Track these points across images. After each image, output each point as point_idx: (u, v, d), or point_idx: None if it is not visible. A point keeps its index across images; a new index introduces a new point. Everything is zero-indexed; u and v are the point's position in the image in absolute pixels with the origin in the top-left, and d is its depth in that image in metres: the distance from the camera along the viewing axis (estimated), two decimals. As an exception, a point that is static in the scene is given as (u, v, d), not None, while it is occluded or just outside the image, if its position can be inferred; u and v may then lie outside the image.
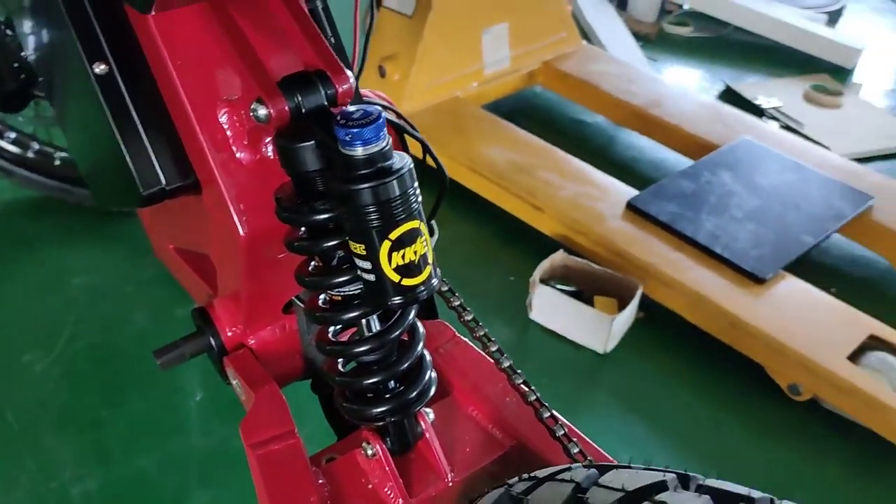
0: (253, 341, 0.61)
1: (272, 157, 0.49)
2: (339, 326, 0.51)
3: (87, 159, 0.62)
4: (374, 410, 0.51)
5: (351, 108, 0.41)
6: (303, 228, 0.47)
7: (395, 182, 0.40)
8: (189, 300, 0.70)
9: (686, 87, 1.99)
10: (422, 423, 0.53)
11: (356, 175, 0.41)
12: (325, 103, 0.44)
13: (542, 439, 0.54)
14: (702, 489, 0.40)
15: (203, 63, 0.48)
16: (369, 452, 0.53)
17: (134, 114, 0.51)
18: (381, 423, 0.52)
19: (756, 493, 0.39)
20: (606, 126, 1.82)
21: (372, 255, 0.42)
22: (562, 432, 0.53)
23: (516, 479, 0.44)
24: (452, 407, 0.58)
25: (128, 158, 0.51)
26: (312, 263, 0.49)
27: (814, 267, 1.41)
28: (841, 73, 2.09)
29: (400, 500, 0.53)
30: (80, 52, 0.50)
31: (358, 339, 0.50)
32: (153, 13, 0.47)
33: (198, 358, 0.63)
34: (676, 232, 1.32)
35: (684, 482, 0.40)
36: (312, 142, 0.44)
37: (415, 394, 0.51)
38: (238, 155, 0.49)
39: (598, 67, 1.80)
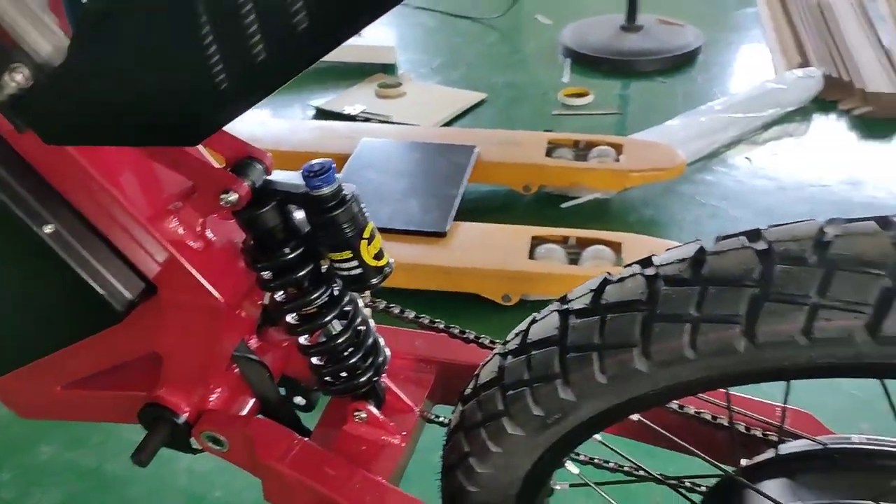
0: (212, 404, 0.73)
1: (213, 238, 0.64)
2: (308, 335, 0.68)
3: None
4: (362, 380, 0.69)
5: (310, 165, 0.59)
6: (269, 273, 0.63)
7: (354, 201, 0.60)
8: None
9: (286, 117, 2.29)
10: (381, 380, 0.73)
11: (330, 206, 0.59)
12: (267, 176, 0.61)
13: (454, 351, 0.78)
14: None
15: (137, 180, 0.60)
16: (363, 416, 0.71)
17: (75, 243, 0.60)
18: (365, 390, 0.70)
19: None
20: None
21: (356, 255, 0.61)
22: (471, 335, 0.77)
23: None
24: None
25: (92, 283, 0.60)
26: (281, 296, 0.65)
27: (469, 210, 1.82)
28: (392, 69, 2.58)
29: (396, 438, 0.72)
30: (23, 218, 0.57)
31: (336, 333, 0.68)
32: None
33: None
34: (366, 227, 1.61)
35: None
36: (273, 204, 0.60)
37: (381, 358, 0.71)
38: (194, 245, 0.63)
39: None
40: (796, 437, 0.68)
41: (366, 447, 0.72)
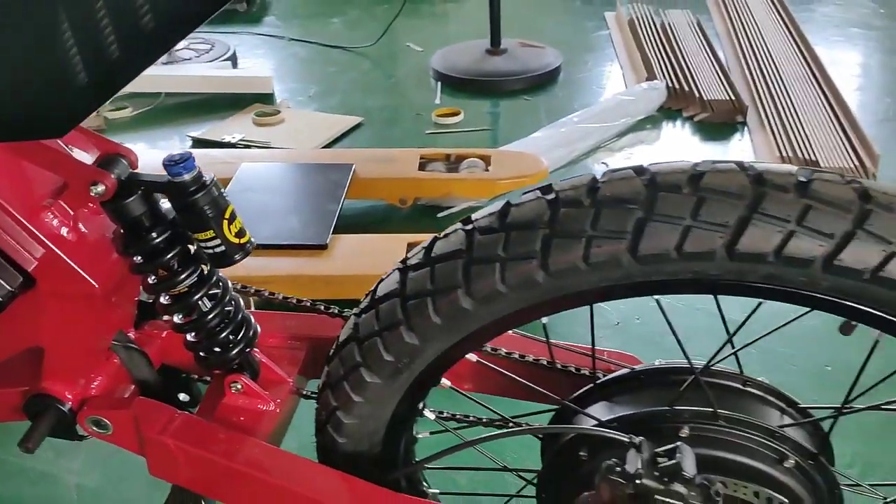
0: (94, 391, 0.78)
1: (86, 231, 0.70)
2: (181, 315, 0.75)
3: None
4: (234, 352, 0.77)
5: (170, 156, 0.67)
6: (140, 258, 0.71)
7: (214, 185, 0.69)
8: None
9: (163, 149, 2.32)
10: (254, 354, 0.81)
11: (192, 191, 0.67)
12: (132, 169, 0.68)
13: (322, 328, 0.86)
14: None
15: (10, 179, 0.66)
16: (238, 387, 0.78)
17: None
18: (238, 362, 0.78)
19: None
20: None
21: (219, 233, 0.69)
22: (335, 310, 0.86)
23: None
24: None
25: None
26: (152, 280, 0.72)
27: (350, 224, 1.90)
28: (269, 98, 2.66)
29: (271, 404, 0.80)
30: None
31: (206, 310, 0.75)
32: None
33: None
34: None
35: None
36: (138, 193, 0.68)
37: (251, 332, 0.79)
38: (68, 237, 0.69)
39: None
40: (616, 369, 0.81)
41: (244, 416, 0.79)
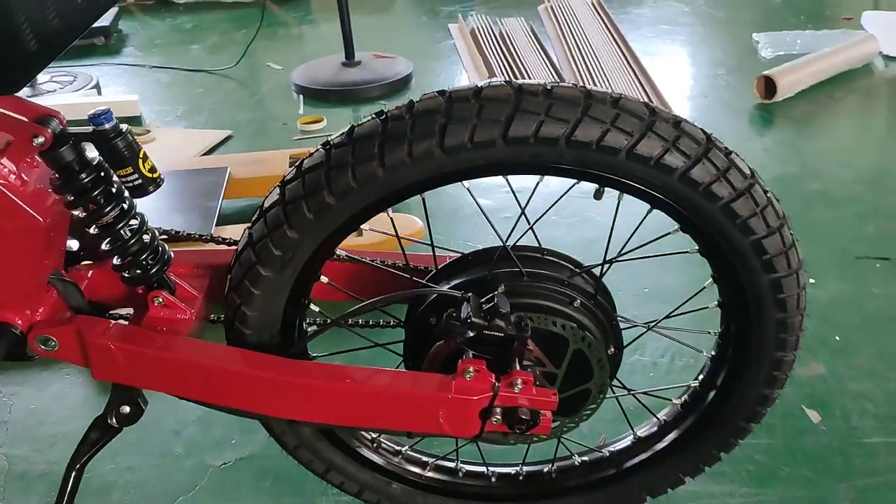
0: (39, 317, 0.98)
1: (28, 178, 0.91)
2: (109, 242, 0.96)
3: None
4: (154, 270, 0.99)
5: (93, 111, 0.89)
6: (71, 196, 0.92)
7: (129, 132, 0.91)
8: None
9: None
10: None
11: (112, 136, 0.90)
12: (62, 126, 0.90)
13: (220, 255, 1.09)
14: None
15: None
16: (160, 301, 1.00)
17: None
18: (157, 280, 1.00)
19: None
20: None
21: (136, 169, 0.91)
22: (232, 240, 1.09)
23: None
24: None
25: None
26: (79, 215, 0.93)
27: (232, 221, 2.11)
28: (137, 120, 2.82)
29: (188, 313, 1.02)
30: None
31: (128, 237, 0.97)
32: None
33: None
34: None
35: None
36: (70, 143, 0.89)
37: (167, 256, 1.01)
38: (14, 181, 0.89)
39: None
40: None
41: (166, 325, 1.01)
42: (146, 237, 0.99)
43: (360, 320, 1.15)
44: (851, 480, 1.33)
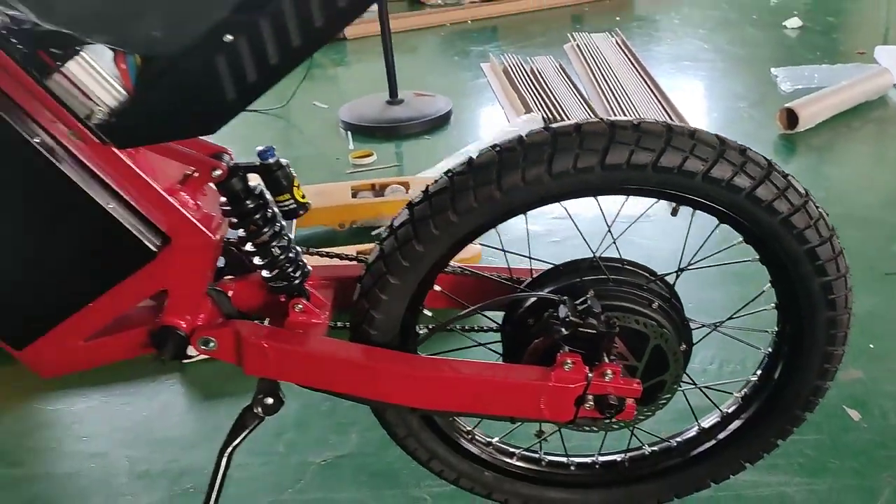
0: (199, 322, 1.16)
1: (203, 202, 1.10)
2: (262, 257, 1.15)
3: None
4: (297, 282, 1.17)
5: (260, 148, 1.08)
6: (235, 219, 1.11)
7: (288, 166, 1.10)
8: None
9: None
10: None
11: (275, 169, 1.09)
12: (234, 163, 1.09)
13: (344, 270, 1.27)
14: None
15: (156, 169, 1.05)
16: (300, 307, 1.18)
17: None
18: (299, 290, 1.18)
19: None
20: None
21: (292, 195, 1.10)
22: (353, 255, 1.27)
23: None
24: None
25: (130, 228, 1.03)
26: (242, 234, 1.12)
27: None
28: (200, 158, 3.02)
29: (321, 318, 1.19)
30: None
31: (278, 253, 1.15)
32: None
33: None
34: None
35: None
36: (240, 175, 1.08)
37: (307, 269, 1.20)
38: (193, 204, 1.08)
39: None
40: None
41: (304, 328, 1.18)
42: (291, 253, 1.18)
43: (463, 325, 1.33)
44: (894, 471, 1.49)
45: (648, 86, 3.39)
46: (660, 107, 3.19)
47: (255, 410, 1.21)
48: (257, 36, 0.91)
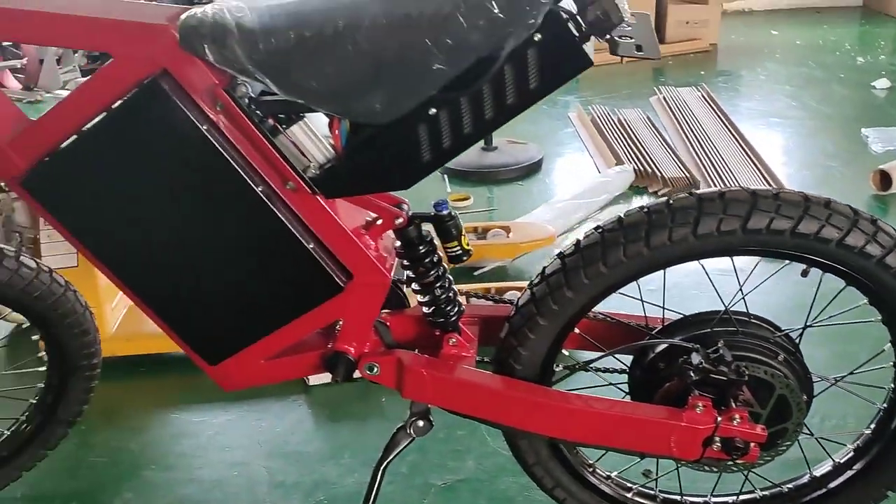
0: (366, 350, 1.31)
1: (378, 246, 1.26)
2: (426, 295, 1.30)
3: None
4: (453, 318, 1.32)
5: (437, 201, 1.23)
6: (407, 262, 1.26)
7: (458, 217, 1.26)
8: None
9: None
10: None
11: (447, 220, 1.24)
12: (412, 212, 1.25)
13: (489, 310, 1.42)
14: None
15: (349, 215, 1.22)
16: (453, 342, 1.32)
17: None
18: (454, 326, 1.33)
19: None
20: None
21: (459, 243, 1.25)
22: (497, 297, 1.42)
23: None
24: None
25: (325, 265, 1.19)
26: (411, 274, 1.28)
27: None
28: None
29: (470, 353, 1.33)
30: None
31: (440, 293, 1.30)
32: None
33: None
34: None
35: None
36: (417, 223, 1.24)
37: (461, 308, 1.34)
38: (374, 247, 1.24)
39: None
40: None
41: (456, 361, 1.32)
42: (451, 293, 1.33)
43: (597, 366, 1.45)
44: None
45: (737, 140, 3.48)
46: (750, 163, 3.28)
47: (408, 431, 1.35)
48: (457, 111, 1.07)
